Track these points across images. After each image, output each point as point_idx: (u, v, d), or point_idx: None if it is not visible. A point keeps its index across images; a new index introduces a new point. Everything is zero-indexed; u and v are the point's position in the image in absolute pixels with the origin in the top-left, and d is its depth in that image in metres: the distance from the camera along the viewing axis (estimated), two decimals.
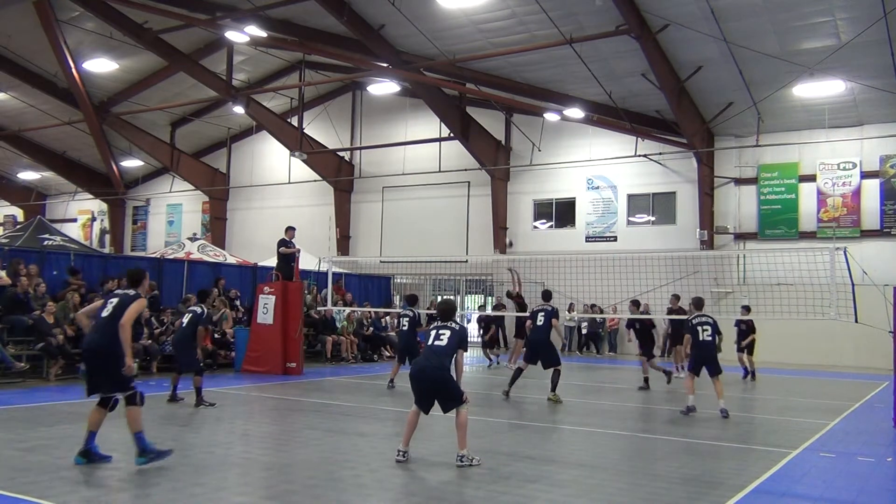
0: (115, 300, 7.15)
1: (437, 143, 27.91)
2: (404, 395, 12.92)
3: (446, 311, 7.87)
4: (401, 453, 7.45)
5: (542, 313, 12.85)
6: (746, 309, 17.26)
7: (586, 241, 26.69)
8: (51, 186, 39.74)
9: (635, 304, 16.03)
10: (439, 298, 27.26)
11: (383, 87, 27.46)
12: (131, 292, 7.19)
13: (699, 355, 11.43)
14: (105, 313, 7.10)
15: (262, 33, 22.70)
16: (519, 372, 13.07)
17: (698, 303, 11.90)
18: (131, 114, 30.45)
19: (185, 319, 11.36)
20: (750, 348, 17.15)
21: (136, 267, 8.00)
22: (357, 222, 31.59)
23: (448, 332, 7.58)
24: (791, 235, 23.74)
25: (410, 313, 14.15)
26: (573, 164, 26.62)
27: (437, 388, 7.42)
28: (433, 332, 7.66)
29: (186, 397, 11.17)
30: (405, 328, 14.06)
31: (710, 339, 11.39)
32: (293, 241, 17.22)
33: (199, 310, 11.37)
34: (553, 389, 12.48)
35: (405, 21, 21.35)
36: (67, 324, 14.04)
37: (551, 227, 27.96)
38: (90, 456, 6.97)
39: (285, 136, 30.05)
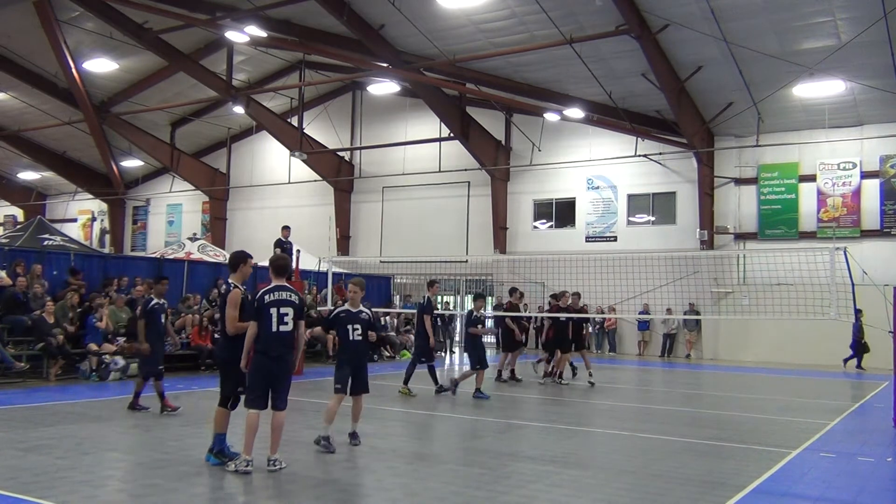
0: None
1: (437, 143, 27.90)
2: (408, 395, 12.93)
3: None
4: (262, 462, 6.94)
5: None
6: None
7: (586, 241, 26.68)
8: (51, 186, 39.76)
9: (555, 297, 16.08)
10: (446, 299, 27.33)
11: (383, 87, 27.44)
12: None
13: None
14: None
15: (262, 33, 22.68)
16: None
17: None
18: (131, 114, 30.45)
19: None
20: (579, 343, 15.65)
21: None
22: (357, 222, 31.58)
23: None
24: (791, 235, 23.73)
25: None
26: (573, 164, 26.62)
27: None
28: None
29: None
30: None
31: None
32: (289, 238, 17.13)
33: None
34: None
35: (405, 21, 21.34)
36: (68, 323, 14.04)
37: (551, 227, 27.95)
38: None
39: (285, 136, 30.05)
